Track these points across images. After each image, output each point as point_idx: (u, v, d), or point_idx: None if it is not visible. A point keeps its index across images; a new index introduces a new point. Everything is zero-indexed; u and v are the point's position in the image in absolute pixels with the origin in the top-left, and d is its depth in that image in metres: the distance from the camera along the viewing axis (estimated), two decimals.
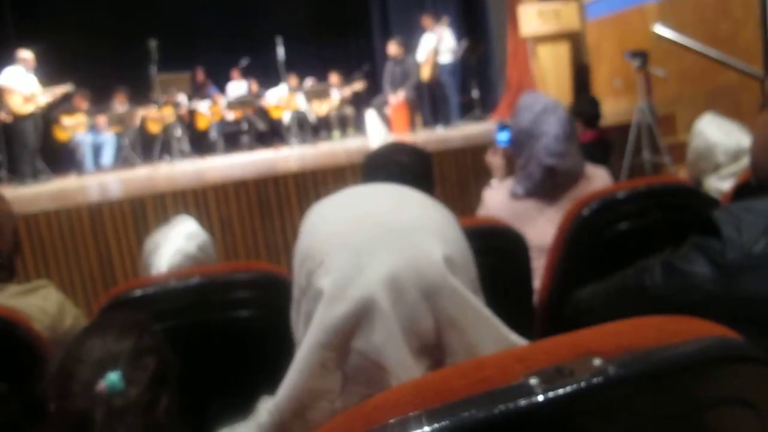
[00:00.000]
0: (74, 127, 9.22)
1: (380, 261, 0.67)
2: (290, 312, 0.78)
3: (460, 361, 0.67)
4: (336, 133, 10.40)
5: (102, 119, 9.53)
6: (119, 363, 1.01)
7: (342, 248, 0.69)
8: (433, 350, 0.68)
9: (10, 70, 7.95)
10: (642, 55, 5.83)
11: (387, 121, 9.37)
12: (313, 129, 10.35)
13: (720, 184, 2.53)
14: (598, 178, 2.14)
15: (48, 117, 8.75)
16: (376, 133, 9.02)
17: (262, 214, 4.33)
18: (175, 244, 1.79)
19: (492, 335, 0.69)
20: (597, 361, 0.55)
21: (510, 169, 2.53)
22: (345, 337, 0.66)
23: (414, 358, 0.66)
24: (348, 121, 10.64)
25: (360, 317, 0.66)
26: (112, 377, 0.98)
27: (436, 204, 0.77)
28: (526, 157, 2.08)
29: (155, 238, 1.85)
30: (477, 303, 0.69)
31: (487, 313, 0.70)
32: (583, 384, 0.53)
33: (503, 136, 2.59)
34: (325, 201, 0.79)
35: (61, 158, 9.35)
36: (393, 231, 0.69)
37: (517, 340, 0.71)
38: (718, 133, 2.59)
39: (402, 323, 0.66)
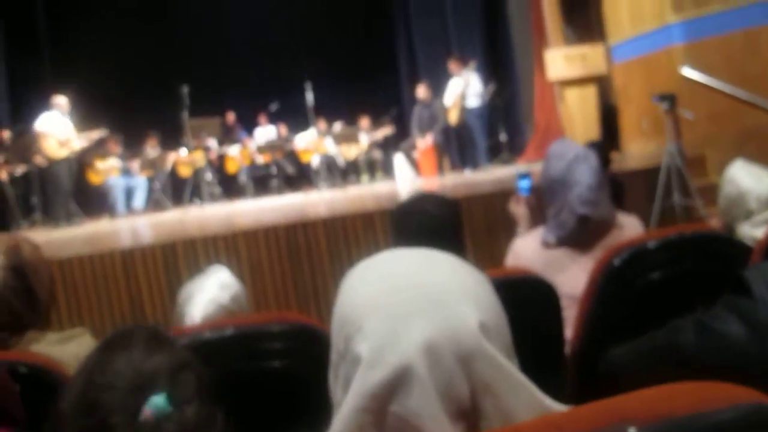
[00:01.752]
0: (108, 170, 9.40)
1: (417, 328, 0.69)
2: (328, 374, 0.79)
3: (495, 426, 0.68)
4: (364, 176, 10.47)
5: (135, 163, 9.72)
6: (158, 382, 0.86)
7: (379, 314, 0.71)
8: (468, 415, 0.68)
9: (46, 116, 8.16)
10: (670, 98, 5.82)
11: (415, 164, 9.43)
12: (342, 172, 10.43)
13: (753, 231, 2.50)
14: (630, 227, 2.13)
15: (82, 160, 8.94)
16: (404, 176, 9.07)
17: (292, 260, 4.35)
18: (209, 294, 1.81)
19: (527, 400, 0.70)
20: (632, 430, 0.55)
21: (534, 218, 2.53)
22: (383, 401, 0.68)
23: (450, 423, 0.67)
24: (376, 165, 10.72)
25: (398, 383, 0.67)
26: (157, 400, 0.84)
27: (471, 268, 0.79)
28: (558, 206, 2.08)
29: (189, 288, 1.88)
30: (512, 368, 0.71)
31: (522, 378, 0.71)
32: None
33: (525, 184, 2.59)
34: (362, 264, 0.81)
35: (93, 201, 9.52)
36: (429, 297, 0.71)
37: (552, 405, 0.72)
38: (749, 180, 2.57)
39: (438, 388, 0.67)
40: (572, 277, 1.99)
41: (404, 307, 0.70)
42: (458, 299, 0.71)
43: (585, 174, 2.02)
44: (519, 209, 2.58)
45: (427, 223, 1.82)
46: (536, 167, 7.29)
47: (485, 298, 0.74)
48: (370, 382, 0.68)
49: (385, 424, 0.68)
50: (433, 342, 0.68)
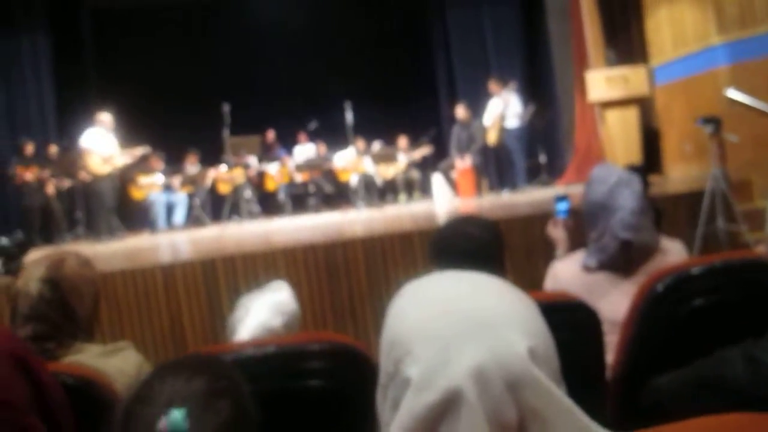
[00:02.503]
0: (150, 186, 9.57)
1: (467, 353, 0.69)
2: (376, 394, 0.80)
3: None
4: (402, 196, 10.49)
5: (176, 179, 9.89)
6: (189, 403, 0.88)
7: (430, 338, 0.71)
8: None
9: (91, 132, 8.32)
10: (715, 122, 5.71)
11: (453, 185, 9.41)
12: (380, 192, 10.46)
13: None
14: (673, 252, 2.10)
15: (124, 176, 9.11)
16: (442, 197, 9.06)
17: (330, 279, 4.37)
18: (261, 318, 1.79)
19: (575, 427, 0.70)
20: None
21: (573, 241, 2.51)
22: (431, 424, 0.69)
23: None
24: (414, 185, 10.73)
25: (446, 407, 0.68)
26: (175, 415, 0.86)
27: (520, 293, 0.79)
28: (600, 230, 2.06)
29: (247, 304, 1.85)
30: (560, 394, 0.71)
31: (570, 404, 0.71)
32: None
33: (563, 207, 2.58)
34: (410, 287, 0.81)
35: (135, 216, 9.70)
36: (479, 323, 0.71)
37: (599, 431, 0.72)
38: None
39: (487, 414, 0.68)
40: (614, 302, 1.97)
41: (454, 332, 0.71)
42: (508, 325, 0.72)
43: (628, 199, 2.00)
44: (557, 232, 2.56)
45: (469, 246, 1.81)
46: (576, 189, 7.22)
47: (534, 323, 0.74)
48: (420, 405, 0.69)
49: None
50: (482, 367, 0.68)
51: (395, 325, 0.77)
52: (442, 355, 0.70)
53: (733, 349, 1.13)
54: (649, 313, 1.76)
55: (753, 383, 1.04)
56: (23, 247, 4.71)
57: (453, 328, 0.71)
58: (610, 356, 1.89)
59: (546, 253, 2.71)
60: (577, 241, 2.48)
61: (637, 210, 2.00)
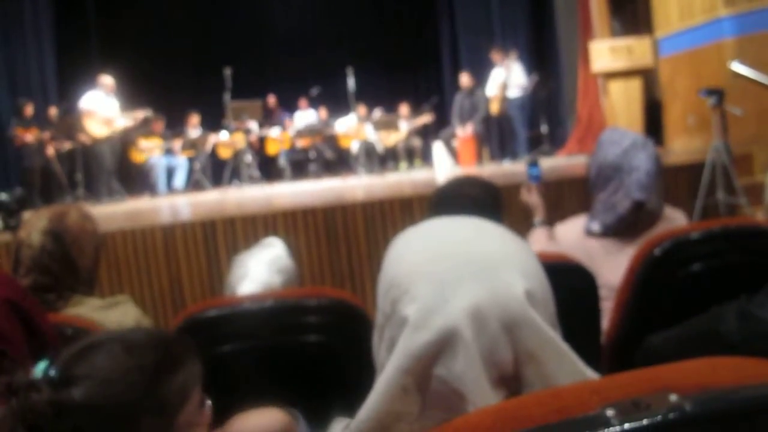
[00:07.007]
0: (150, 150, 9.55)
1: (464, 292, 0.69)
2: (372, 336, 0.80)
3: None
4: (403, 164, 10.48)
5: (177, 143, 9.86)
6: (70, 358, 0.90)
7: (427, 278, 0.72)
8: (510, 381, 0.70)
9: (91, 95, 8.30)
10: (718, 93, 5.67)
11: (454, 153, 9.39)
12: (381, 159, 10.45)
13: None
14: (677, 220, 2.09)
15: (126, 139, 9.08)
16: (442, 165, 9.04)
17: (329, 242, 4.38)
18: (262, 277, 1.78)
19: (569, 369, 0.71)
20: (673, 397, 0.55)
21: (548, 206, 2.50)
22: (427, 363, 0.69)
23: (492, 388, 0.68)
24: (415, 153, 10.71)
25: (442, 345, 0.68)
26: (41, 365, 0.88)
27: (517, 238, 0.79)
28: (610, 192, 2.02)
29: (245, 261, 1.85)
30: (555, 337, 0.71)
31: (564, 347, 0.72)
32: (659, 418, 0.54)
33: (535, 172, 2.55)
34: (409, 231, 0.82)
35: (135, 179, 9.70)
36: (476, 264, 0.72)
37: (593, 375, 0.73)
38: None
39: (482, 353, 0.68)
40: (615, 268, 1.95)
41: (452, 273, 0.71)
42: (505, 267, 0.72)
43: (644, 160, 1.97)
44: (532, 198, 2.52)
45: (468, 206, 1.81)
46: (577, 160, 7.17)
47: (531, 267, 0.75)
48: (416, 343, 0.69)
49: (427, 386, 0.69)
50: (479, 307, 0.69)
51: (393, 266, 0.77)
52: (439, 294, 0.70)
53: (726, 306, 1.13)
54: (647, 277, 1.76)
55: (747, 338, 1.04)
56: (22, 203, 4.72)
57: (451, 268, 0.71)
58: (605, 322, 1.90)
59: (547, 220, 2.70)
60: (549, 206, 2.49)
61: (652, 172, 1.97)
